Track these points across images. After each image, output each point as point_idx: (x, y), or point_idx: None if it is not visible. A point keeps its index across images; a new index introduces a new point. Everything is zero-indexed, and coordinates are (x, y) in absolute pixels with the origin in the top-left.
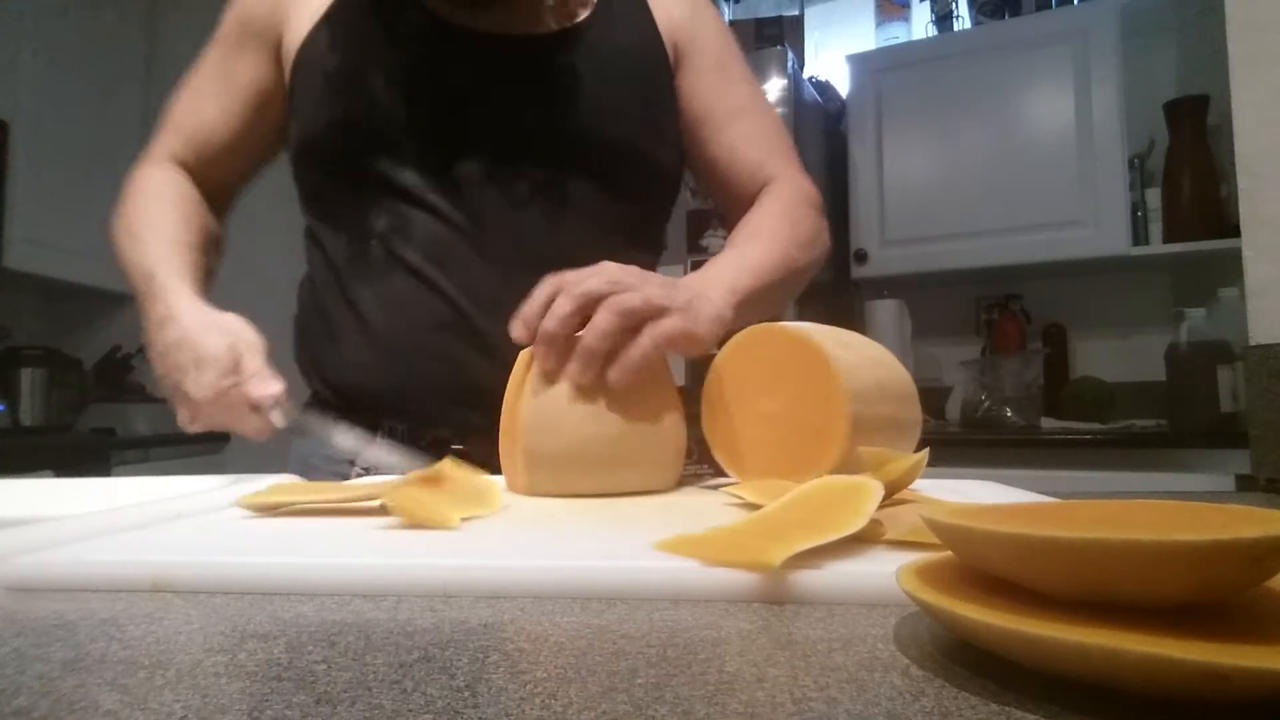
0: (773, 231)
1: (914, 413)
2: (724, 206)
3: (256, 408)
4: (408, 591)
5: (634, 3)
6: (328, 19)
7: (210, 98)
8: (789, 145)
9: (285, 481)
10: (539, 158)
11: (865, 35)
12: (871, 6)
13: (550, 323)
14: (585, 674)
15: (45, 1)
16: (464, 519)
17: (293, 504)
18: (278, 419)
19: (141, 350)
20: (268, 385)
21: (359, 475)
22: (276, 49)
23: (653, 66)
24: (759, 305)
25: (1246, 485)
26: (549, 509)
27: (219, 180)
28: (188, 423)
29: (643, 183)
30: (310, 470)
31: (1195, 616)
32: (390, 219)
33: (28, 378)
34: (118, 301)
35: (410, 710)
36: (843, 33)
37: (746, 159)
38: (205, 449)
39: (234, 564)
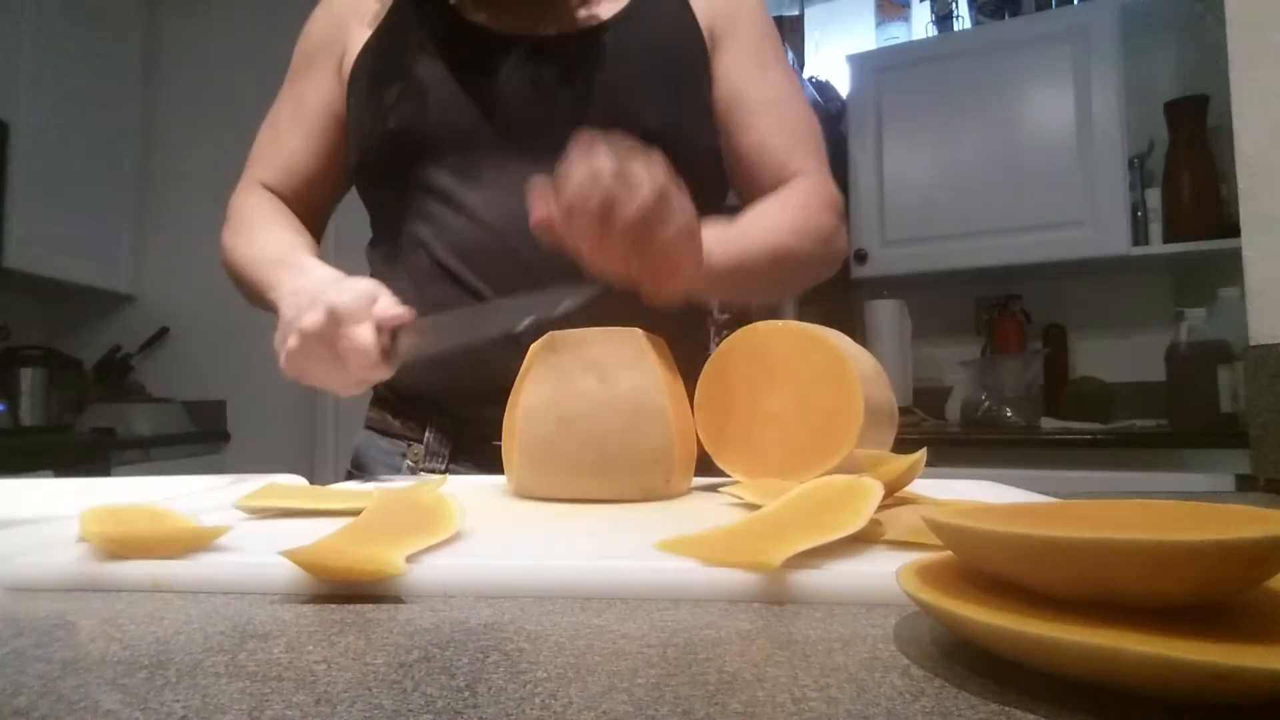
0: (773, 218)
1: (892, 393)
2: (745, 198)
3: (366, 349)
4: (408, 591)
5: None
6: (377, 33)
7: (288, 126)
8: (818, 142)
9: (283, 482)
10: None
11: (865, 35)
12: (871, 6)
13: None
14: (585, 674)
15: (45, 1)
16: (409, 557)
17: (289, 509)
18: (400, 352)
19: (142, 350)
20: (400, 309)
21: (409, 470)
22: (340, 68)
23: (688, 59)
24: (740, 282)
25: (1246, 485)
26: (548, 510)
27: (310, 206)
28: (290, 362)
29: (689, 164)
30: (366, 465)
31: (1195, 616)
32: (431, 224)
33: (28, 378)
34: (118, 301)
35: (410, 710)
36: (843, 33)
37: (774, 153)
38: (205, 449)
39: (234, 564)
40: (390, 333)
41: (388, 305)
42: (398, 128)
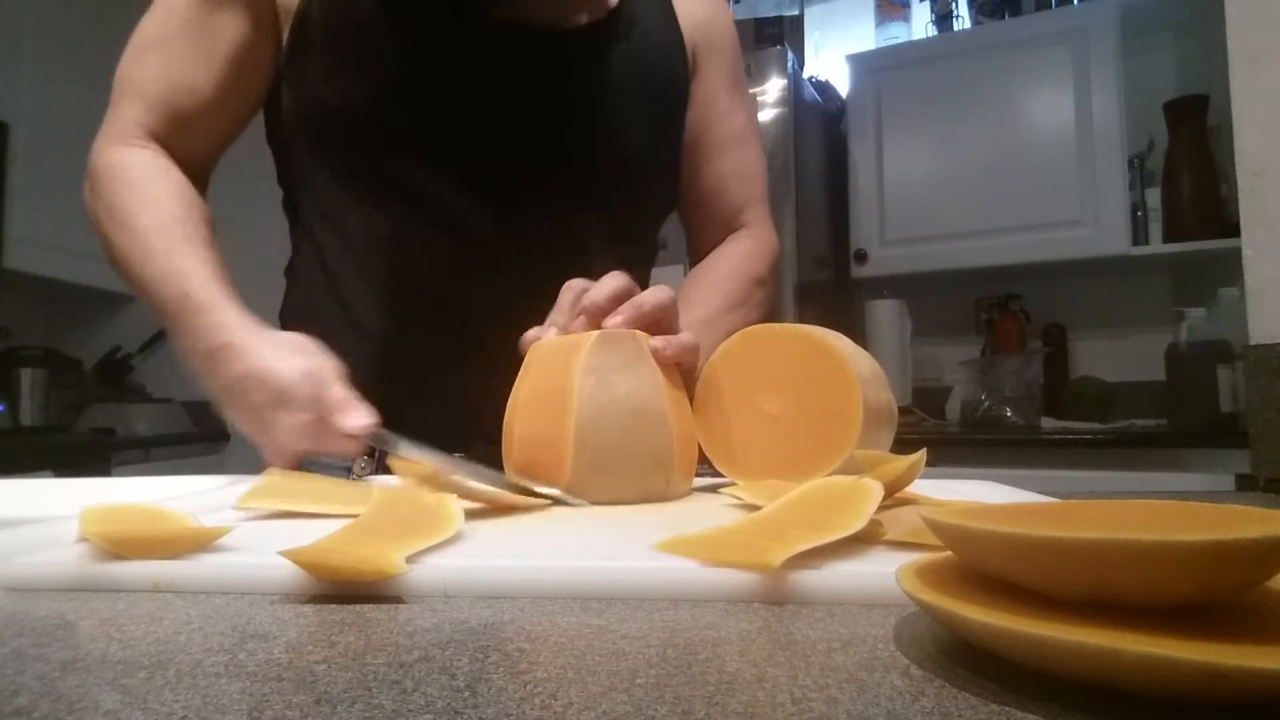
0: (730, 296)
1: (890, 394)
2: (692, 230)
3: (351, 451)
4: (408, 591)
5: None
6: None
7: (187, 58)
8: (765, 184)
9: (277, 474)
10: (553, 156)
11: (865, 35)
12: (871, 6)
13: (598, 296)
14: (585, 674)
15: (45, 2)
16: (409, 557)
17: (292, 510)
18: (371, 440)
19: (142, 350)
20: (360, 416)
21: (356, 477)
22: (263, 3)
23: (674, 67)
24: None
25: (1246, 485)
26: (548, 510)
27: (198, 151)
28: (276, 461)
29: (655, 185)
30: (305, 464)
31: (1195, 616)
32: (392, 222)
33: (28, 378)
34: (118, 301)
35: (410, 710)
36: (843, 33)
37: (730, 200)
38: (205, 449)
39: (234, 564)
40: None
41: (348, 398)
42: (354, 101)
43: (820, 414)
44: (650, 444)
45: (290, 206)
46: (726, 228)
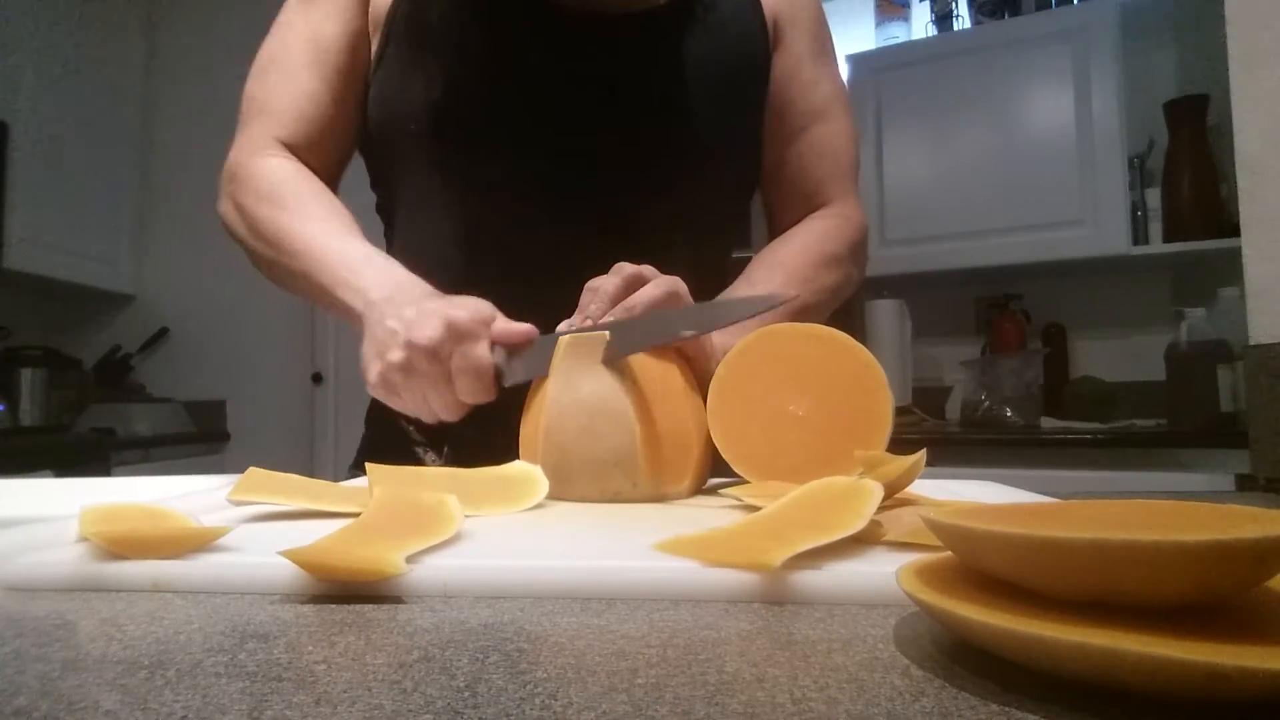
0: (792, 273)
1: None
2: (771, 206)
3: (484, 369)
4: (408, 591)
5: None
6: None
7: (303, 68)
8: (853, 162)
9: (260, 471)
10: (628, 140)
11: (865, 35)
12: (871, 6)
13: (598, 301)
14: (585, 674)
15: (45, 3)
16: (409, 557)
17: (285, 508)
18: (516, 373)
19: (142, 350)
20: (522, 326)
21: (432, 462)
22: (361, 12)
23: (753, 46)
24: None
25: (1246, 485)
26: (548, 511)
27: (327, 159)
28: (386, 379)
29: (730, 166)
30: (387, 452)
31: (1195, 616)
32: (466, 215)
33: (28, 378)
34: (118, 301)
35: (410, 710)
36: (843, 33)
37: (810, 176)
38: (205, 449)
39: (234, 564)
40: (504, 353)
41: (505, 323)
42: (433, 101)
43: (849, 415)
44: (609, 444)
45: (383, 210)
46: (806, 205)
